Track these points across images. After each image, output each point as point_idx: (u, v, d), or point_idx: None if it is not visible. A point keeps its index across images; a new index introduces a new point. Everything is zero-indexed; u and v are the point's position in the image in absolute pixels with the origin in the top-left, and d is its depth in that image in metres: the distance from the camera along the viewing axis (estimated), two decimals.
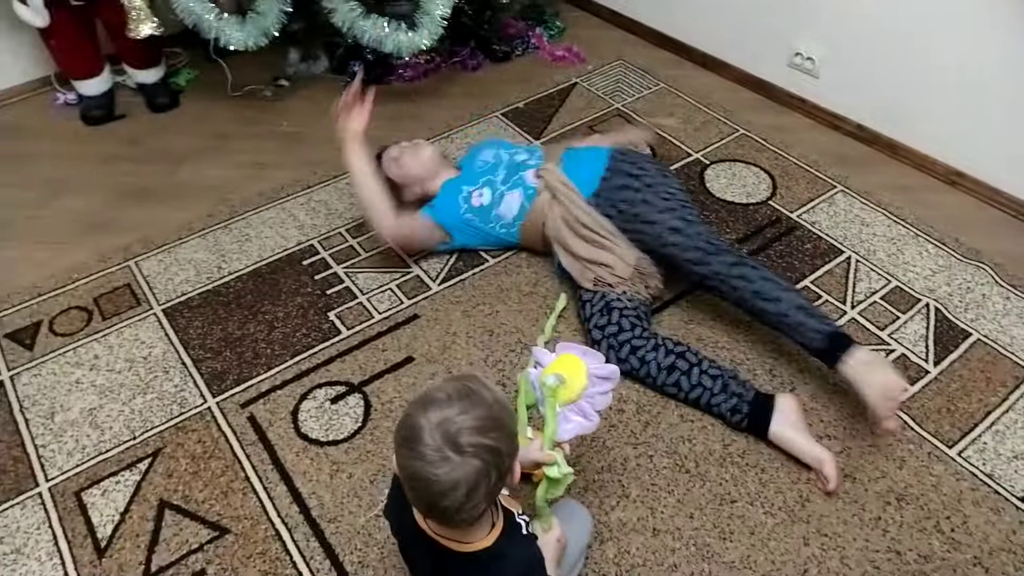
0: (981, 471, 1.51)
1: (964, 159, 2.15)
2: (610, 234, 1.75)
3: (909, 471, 1.50)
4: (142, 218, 2.11)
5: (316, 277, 1.92)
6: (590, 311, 1.70)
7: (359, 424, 1.59)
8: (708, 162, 2.27)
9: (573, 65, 2.75)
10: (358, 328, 1.79)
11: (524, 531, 1.08)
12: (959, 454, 1.53)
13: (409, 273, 1.94)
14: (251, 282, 1.91)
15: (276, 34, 2.30)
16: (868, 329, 1.77)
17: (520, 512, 1.11)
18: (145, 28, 2.28)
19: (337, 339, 1.77)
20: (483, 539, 1.00)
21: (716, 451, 1.53)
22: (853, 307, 1.82)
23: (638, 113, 2.48)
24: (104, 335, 1.78)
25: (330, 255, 1.99)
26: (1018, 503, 1.45)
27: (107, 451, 1.55)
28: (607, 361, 1.23)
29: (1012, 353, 1.72)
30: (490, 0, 2.71)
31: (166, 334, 1.78)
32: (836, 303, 1.83)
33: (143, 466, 1.52)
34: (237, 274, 1.93)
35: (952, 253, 1.97)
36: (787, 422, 1.52)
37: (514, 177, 1.88)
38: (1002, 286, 1.87)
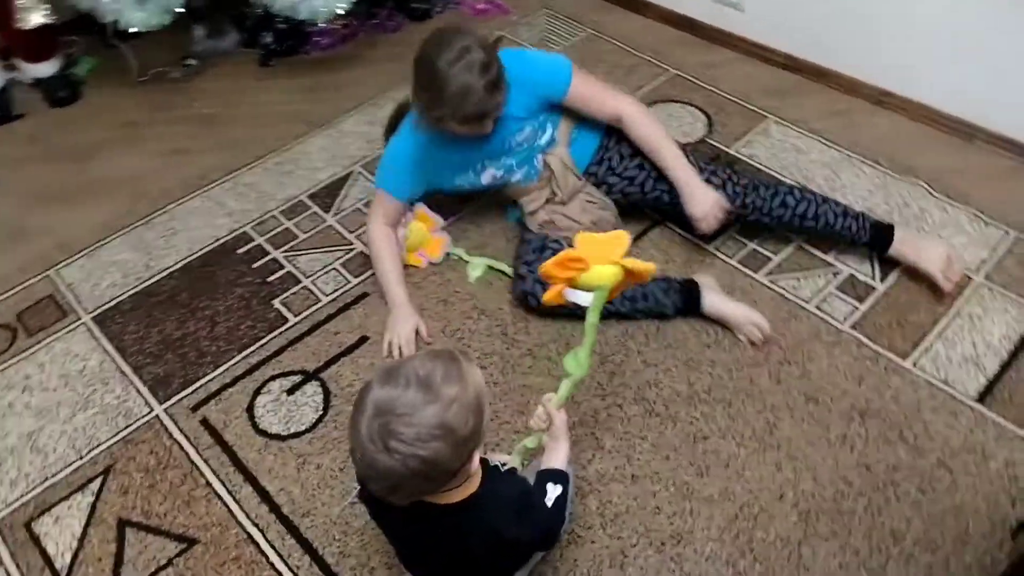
0: (935, 378, 1.55)
1: (891, 79, 2.17)
2: (597, 212, 1.75)
3: (868, 387, 1.54)
4: (57, 222, 1.98)
5: (254, 265, 1.84)
6: (525, 249, 1.70)
7: (320, 412, 1.54)
8: None
9: (496, 17, 2.67)
10: (306, 313, 1.73)
11: (500, 469, 1.08)
12: (914, 364, 1.58)
13: (352, 250, 1.87)
14: (184, 278, 1.82)
15: (180, 10, 2.15)
16: (813, 254, 1.79)
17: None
18: (35, 16, 2.14)
19: (285, 327, 1.70)
20: (466, 487, 0.97)
21: (683, 392, 1.54)
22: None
23: None
24: (32, 352, 1.68)
25: (266, 240, 1.90)
26: (972, 404, 1.50)
27: (54, 475, 1.47)
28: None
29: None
30: None
31: (99, 344, 1.68)
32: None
33: (95, 486, 1.45)
34: (168, 271, 1.84)
35: (887, 172, 2.00)
36: (713, 289, 1.65)
37: (527, 160, 1.76)
38: (938, 198, 1.91)
